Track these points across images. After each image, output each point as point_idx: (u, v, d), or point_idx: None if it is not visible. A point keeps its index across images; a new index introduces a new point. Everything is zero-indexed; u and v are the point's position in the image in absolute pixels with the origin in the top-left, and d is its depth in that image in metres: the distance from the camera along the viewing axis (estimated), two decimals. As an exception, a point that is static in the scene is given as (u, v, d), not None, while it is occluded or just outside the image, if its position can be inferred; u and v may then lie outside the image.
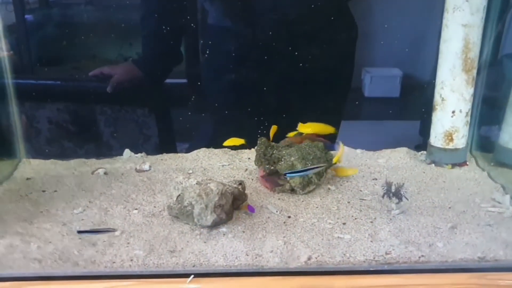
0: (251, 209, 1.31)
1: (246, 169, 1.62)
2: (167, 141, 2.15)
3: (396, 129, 2.38)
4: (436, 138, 1.60)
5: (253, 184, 1.51)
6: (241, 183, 1.34)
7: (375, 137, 2.45)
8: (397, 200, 1.32)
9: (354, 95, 2.82)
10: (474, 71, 1.51)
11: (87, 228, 1.27)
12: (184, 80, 2.11)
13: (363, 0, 2.13)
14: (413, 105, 2.13)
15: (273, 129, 1.59)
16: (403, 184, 1.32)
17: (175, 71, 2.07)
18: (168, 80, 2.07)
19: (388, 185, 1.32)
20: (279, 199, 1.42)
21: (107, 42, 2.03)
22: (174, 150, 2.19)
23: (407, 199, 1.33)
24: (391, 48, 2.30)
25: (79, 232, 1.24)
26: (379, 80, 2.79)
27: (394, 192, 1.31)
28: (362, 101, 2.91)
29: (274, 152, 1.47)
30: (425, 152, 1.69)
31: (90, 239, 1.22)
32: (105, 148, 2.08)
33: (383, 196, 1.34)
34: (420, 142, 1.92)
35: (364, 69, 2.81)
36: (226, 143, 1.58)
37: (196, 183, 1.27)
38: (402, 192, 1.31)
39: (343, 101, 2.20)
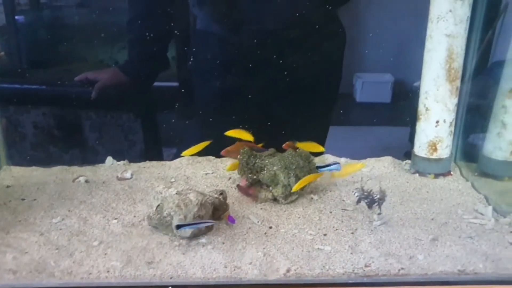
0: (231, 220, 1.30)
1: (230, 178, 1.60)
2: (152, 147, 2.13)
3: (386, 135, 2.38)
4: (420, 148, 1.60)
5: (236, 194, 1.50)
6: (222, 193, 1.32)
7: (364, 143, 2.45)
8: (378, 211, 1.32)
9: (345, 100, 2.83)
10: (458, 81, 1.51)
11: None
12: (171, 85, 2.10)
13: (353, 6, 2.13)
14: (403, 111, 2.13)
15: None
16: (383, 191, 1.31)
17: (162, 76, 2.06)
18: (155, 84, 2.06)
19: (363, 191, 1.32)
20: (261, 209, 1.41)
21: (99, 44, 2.02)
22: (160, 157, 2.18)
23: (380, 210, 1.31)
24: (383, 54, 2.31)
25: (178, 226, 1.20)
26: (370, 86, 2.80)
27: (370, 200, 1.31)
28: (353, 107, 2.91)
29: (257, 161, 1.46)
30: (409, 161, 1.68)
31: (67, 249, 1.21)
32: (89, 155, 2.07)
33: (357, 203, 1.34)
34: (409, 148, 1.91)
35: (356, 74, 2.81)
36: (186, 153, 1.53)
37: (176, 193, 1.26)
38: (376, 199, 1.30)
39: (331, 108, 2.19)
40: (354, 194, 1.34)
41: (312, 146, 1.54)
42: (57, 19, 2.08)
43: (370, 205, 1.31)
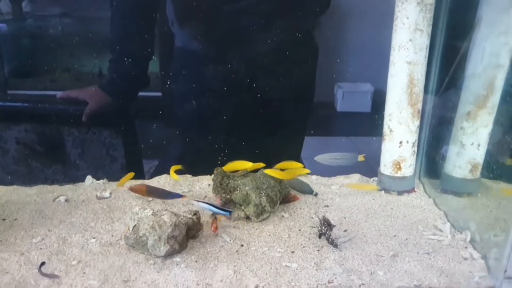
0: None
1: (206, 196, 1.67)
2: (133, 164, 2.19)
3: (364, 145, 2.46)
4: (386, 167, 1.69)
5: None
6: (196, 213, 1.39)
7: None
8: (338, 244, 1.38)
9: (327, 110, 2.90)
10: (419, 105, 1.60)
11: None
12: (150, 101, 2.16)
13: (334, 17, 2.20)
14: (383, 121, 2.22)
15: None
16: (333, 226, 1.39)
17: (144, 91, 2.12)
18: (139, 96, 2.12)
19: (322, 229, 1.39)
20: (234, 227, 1.48)
21: (83, 54, 2.07)
22: (141, 174, 2.24)
23: (337, 246, 1.37)
24: (363, 64, 2.38)
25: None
26: (351, 95, 2.88)
27: (327, 238, 1.38)
28: (334, 116, 2.99)
29: (230, 181, 1.54)
30: (376, 178, 1.77)
31: (46, 269, 1.26)
32: (70, 173, 2.12)
33: (319, 237, 1.41)
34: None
35: (337, 84, 2.89)
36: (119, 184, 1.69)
37: (152, 214, 1.32)
38: (331, 237, 1.37)
39: (304, 124, 2.26)
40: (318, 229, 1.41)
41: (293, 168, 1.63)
42: (40, 29, 2.13)
43: (330, 242, 1.38)
